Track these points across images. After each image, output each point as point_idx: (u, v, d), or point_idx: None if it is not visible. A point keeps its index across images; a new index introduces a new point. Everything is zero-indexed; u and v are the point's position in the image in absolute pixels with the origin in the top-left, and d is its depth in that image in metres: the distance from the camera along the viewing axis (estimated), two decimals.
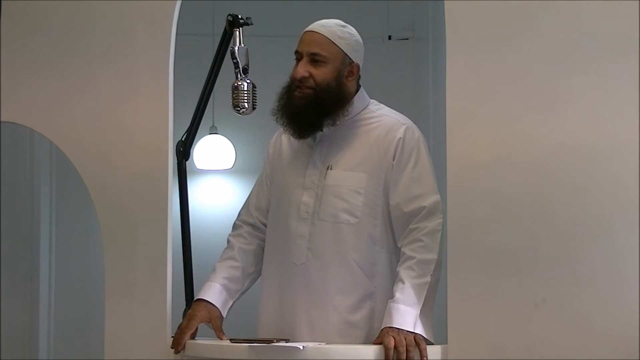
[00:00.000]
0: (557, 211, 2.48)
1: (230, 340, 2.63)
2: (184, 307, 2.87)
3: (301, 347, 2.50)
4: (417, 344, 2.56)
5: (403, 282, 2.64)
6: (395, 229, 2.77)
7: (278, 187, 2.91)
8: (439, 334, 2.64)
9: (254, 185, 3.01)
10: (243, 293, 2.89)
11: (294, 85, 2.80)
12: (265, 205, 2.94)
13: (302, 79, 2.79)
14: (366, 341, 2.71)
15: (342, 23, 2.85)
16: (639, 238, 2.42)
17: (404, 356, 2.53)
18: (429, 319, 2.65)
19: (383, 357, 2.53)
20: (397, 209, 2.75)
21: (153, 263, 2.81)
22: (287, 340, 2.62)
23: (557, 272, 2.47)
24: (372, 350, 2.55)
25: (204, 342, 2.71)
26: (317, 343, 2.60)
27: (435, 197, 2.73)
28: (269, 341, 2.56)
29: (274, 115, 2.83)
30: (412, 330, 2.58)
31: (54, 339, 5.27)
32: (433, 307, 2.67)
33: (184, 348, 2.72)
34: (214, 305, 2.79)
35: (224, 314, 2.82)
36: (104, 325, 2.82)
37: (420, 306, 2.61)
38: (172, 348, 2.74)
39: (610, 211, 2.46)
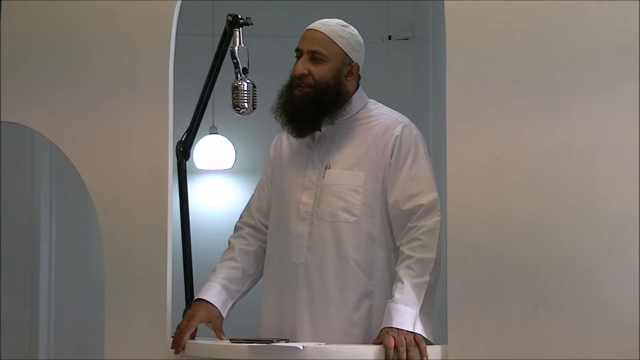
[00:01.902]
0: (557, 211, 2.48)
1: (230, 340, 2.63)
2: (184, 307, 2.87)
3: (301, 347, 2.50)
4: (417, 344, 2.56)
5: (402, 282, 2.64)
6: (394, 228, 2.77)
7: (278, 188, 2.91)
8: (439, 334, 2.64)
9: (256, 188, 3.01)
10: (244, 294, 2.89)
11: (294, 83, 2.81)
12: (266, 206, 2.94)
13: (302, 77, 2.80)
14: (365, 340, 2.72)
15: (344, 23, 2.86)
16: (639, 238, 2.42)
17: (404, 356, 2.53)
18: (429, 318, 2.65)
19: (383, 357, 2.53)
20: (395, 207, 2.75)
21: (153, 263, 2.81)
22: (287, 340, 2.62)
23: (557, 272, 2.47)
24: (372, 350, 2.55)
25: (204, 342, 2.71)
26: (317, 343, 2.60)
27: (432, 195, 2.73)
28: (269, 341, 2.56)
29: (273, 113, 2.84)
30: (411, 330, 2.58)
31: (54, 339, 5.27)
32: (433, 306, 2.67)
33: (183, 348, 2.72)
34: (214, 306, 2.79)
35: (224, 315, 2.82)
36: (104, 325, 2.82)
37: (420, 306, 2.61)
38: (172, 348, 2.74)
39: (610, 211, 2.46)
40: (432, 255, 2.66)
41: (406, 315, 2.59)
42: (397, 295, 2.62)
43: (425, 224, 2.69)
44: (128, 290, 2.83)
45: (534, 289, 2.47)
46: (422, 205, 2.71)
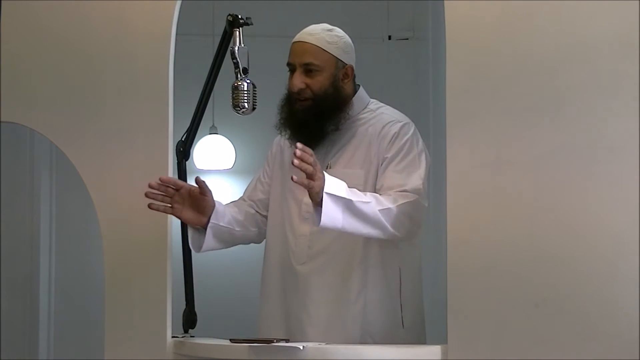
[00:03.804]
0: (557, 211, 2.48)
1: (230, 340, 2.63)
2: (184, 307, 2.87)
3: (301, 347, 2.50)
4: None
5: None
6: None
7: (280, 187, 2.92)
8: (439, 334, 2.64)
9: (252, 179, 3.04)
10: (230, 231, 2.86)
11: (293, 98, 2.81)
12: (258, 196, 2.96)
13: (300, 91, 2.80)
14: (361, 335, 2.74)
15: (329, 27, 2.85)
16: (639, 238, 2.42)
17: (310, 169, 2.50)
18: (339, 207, 2.57)
19: (384, 358, 2.53)
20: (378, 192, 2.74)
21: (153, 263, 2.81)
22: (287, 340, 2.62)
23: (557, 272, 2.47)
24: (372, 350, 2.55)
25: (204, 342, 2.71)
26: (317, 343, 2.60)
27: (417, 197, 2.71)
28: (269, 341, 2.56)
29: (278, 129, 2.86)
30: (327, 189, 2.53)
31: (54, 339, 5.27)
32: (355, 217, 2.60)
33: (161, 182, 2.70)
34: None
35: (213, 212, 2.80)
36: (104, 325, 2.82)
37: (350, 199, 2.55)
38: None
39: (610, 211, 2.45)
40: (391, 205, 2.62)
41: (338, 185, 2.55)
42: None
43: (402, 198, 2.67)
44: (128, 290, 2.83)
45: (534, 289, 2.47)
46: (406, 190, 2.70)
